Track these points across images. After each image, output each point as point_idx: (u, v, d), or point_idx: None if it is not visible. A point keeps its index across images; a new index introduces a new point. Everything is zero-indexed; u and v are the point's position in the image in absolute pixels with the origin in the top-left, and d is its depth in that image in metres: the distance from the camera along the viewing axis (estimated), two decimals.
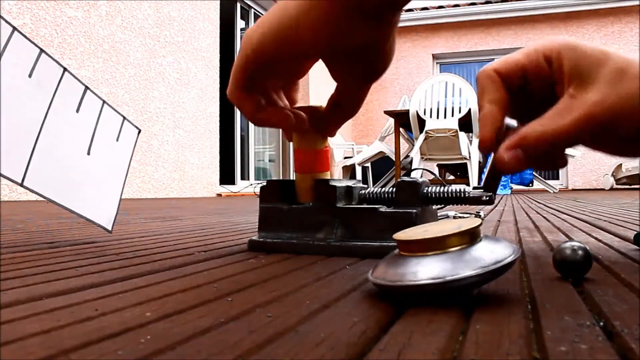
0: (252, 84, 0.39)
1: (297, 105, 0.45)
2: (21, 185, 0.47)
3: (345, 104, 0.42)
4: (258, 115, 0.40)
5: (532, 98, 0.38)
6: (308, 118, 0.43)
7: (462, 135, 3.12)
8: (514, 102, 0.37)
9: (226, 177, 4.61)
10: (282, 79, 0.43)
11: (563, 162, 0.38)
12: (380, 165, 4.77)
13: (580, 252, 0.30)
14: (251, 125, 5.15)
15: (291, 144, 0.47)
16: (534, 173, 4.34)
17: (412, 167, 3.25)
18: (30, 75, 0.49)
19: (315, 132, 0.45)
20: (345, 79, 0.40)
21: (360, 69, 0.38)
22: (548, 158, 0.37)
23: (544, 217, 0.93)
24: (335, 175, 5.27)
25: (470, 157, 3.14)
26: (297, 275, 0.34)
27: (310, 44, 0.35)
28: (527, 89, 0.38)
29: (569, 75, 0.35)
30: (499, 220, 0.86)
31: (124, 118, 0.59)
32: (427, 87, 3.28)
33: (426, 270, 0.24)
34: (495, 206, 1.50)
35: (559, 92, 0.37)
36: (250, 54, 0.37)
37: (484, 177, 0.44)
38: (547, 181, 4.60)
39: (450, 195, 0.45)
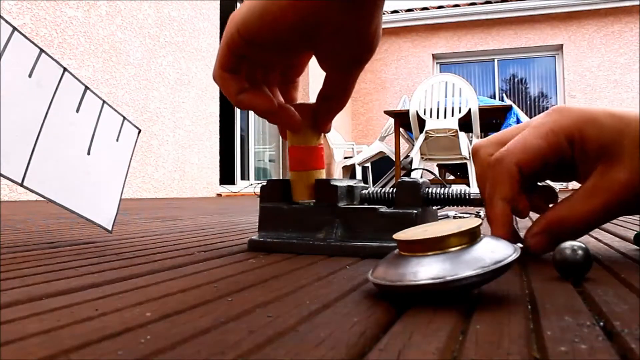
0: (238, 66, 0.39)
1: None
2: (21, 185, 0.47)
3: (333, 94, 0.41)
4: (240, 96, 0.39)
5: (547, 170, 0.37)
6: (301, 114, 0.42)
7: (462, 135, 3.12)
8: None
9: (226, 177, 4.60)
10: (273, 67, 0.42)
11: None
12: (380, 165, 4.77)
13: (580, 252, 0.30)
14: (251, 125, 5.15)
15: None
16: None
17: (412, 167, 3.25)
18: (30, 75, 0.49)
19: (309, 128, 0.44)
20: (333, 65, 0.39)
21: (346, 53, 0.37)
22: (575, 237, 0.36)
23: None
24: (335, 175, 5.27)
25: (470, 157, 3.13)
26: (297, 275, 0.34)
27: (293, 23, 0.34)
28: (547, 171, 0.37)
29: (595, 157, 0.34)
30: None
31: (124, 118, 0.59)
32: (427, 87, 3.28)
33: (426, 270, 0.24)
34: None
35: (582, 171, 0.36)
36: (235, 34, 0.36)
37: None
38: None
39: (451, 196, 0.45)
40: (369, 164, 4.89)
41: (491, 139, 0.40)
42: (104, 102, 0.56)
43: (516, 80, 6.69)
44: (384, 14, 6.48)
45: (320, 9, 0.33)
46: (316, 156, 0.45)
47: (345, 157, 5.41)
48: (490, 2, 6.34)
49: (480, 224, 0.26)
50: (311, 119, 0.44)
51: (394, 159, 3.63)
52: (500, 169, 0.35)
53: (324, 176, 0.47)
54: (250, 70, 0.40)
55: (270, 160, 5.72)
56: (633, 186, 0.33)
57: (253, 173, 5.15)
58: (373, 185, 4.21)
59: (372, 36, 0.36)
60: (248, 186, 4.76)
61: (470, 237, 0.26)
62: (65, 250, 0.47)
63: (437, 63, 6.81)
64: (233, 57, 0.38)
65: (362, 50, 0.37)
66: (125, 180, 0.58)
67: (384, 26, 6.56)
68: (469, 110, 3.13)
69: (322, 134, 0.46)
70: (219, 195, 4.16)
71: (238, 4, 4.88)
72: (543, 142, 0.35)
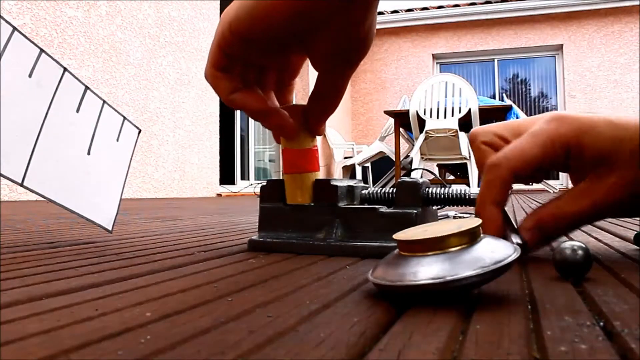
0: (230, 65, 0.38)
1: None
2: (21, 185, 0.47)
3: (326, 94, 0.40)
4: (232, 95, 0.39)
5: (539, 172, 0.39)
6: (292, 116, 0.42)
7: (462, 135, 3.12)
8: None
9: (226, 177, 4.61)
10: (267, 69, 0.42)
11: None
12: (380, 165, 4.77)
13: (580, 252, 0.30)
14: (251, 125, 5.15)
15: None
16: None
17: (412, 167, 3.25)
18: (30, 75, 0.49)
19: (301, 129, 0.43)
20: (325, 64, 0.39)
21: (338, 52, 0.37)
22: (564, 233, 0.38)
23: None
24: (335, 175, 5.27)
25: (470, 157, 3.13)
26: (297, 275, 0.34)
27: (284, 19, 0.34)
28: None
29: (591, 164, 0.36)
30: None
31: (124, 118, 0.59)
32: (427, 87, 3.28)
33: (426, 270, 0.24)
34: None
35: (576, 175, 0.38)
36: (226, 31, 0.36)
37: None
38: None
39: (450, 196, 0.45)
40: (369, 164, 4.89)
41: (489, 127, 0.42)
42: (104, 102, 0.56)
43: (516, 80, 6.69)
44: (383, 13, 6.49)
45: (311, 5, 0.33)
46: (310, 158, 0.44)
47: (345, 157, 5.41)
48: (490, 2, 6.34)
49: (480, 224, 0.26)
50: (302, 120, 0.43)
51: (394, 159, 3.63)
52: (495, 174, 0.36)
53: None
54: (244, 71, 0.40)
55: (270, 160, 5.73)
56: (621, 190, 0.35)
57: (253, 173, 5.15)
58: (373, 185, 4.21)
59: (364, 34, 0.36)
60: (248, 186, 4.76)
61: (470, 237, 0.26)
62: (65, 250, 0.47)
63: (437, 63, 6.81)
64: (225, 56, 0.38)
65: (354, 49, 0.37)
66: (125, 180, 0.58)
67: (384, 26, 6.57)
68: (469, 110, 3.13)
69: (315, 137, 0.45)
70: (219, 195, 4.16)
71: None
72: (540, 151, 0.36)
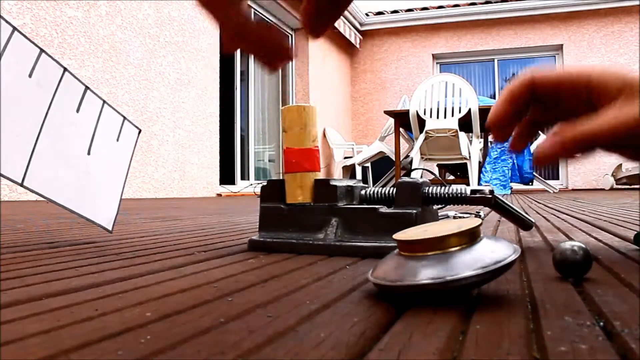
0: None
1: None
2: (21, 185, 0.47)
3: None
4: None
5: (564, 114, 0.41)
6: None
7: (462, 135, 3.12)
8: (546, 115, 0.41)
9: (226, 177, 4.60)
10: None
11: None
12: (380, 165, 4.77)
13: (580, 252, 0.30)
14: (251, 125, 5.15)
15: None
16: (534, 173, 4.34)
17: (412, 167, 3.25)
18: (30, 75, 0.49)
19: (303, 129, 0.43)
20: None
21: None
22: (579, 152, 0.40)
23: (544, 217, 0.93)
24: (335, 175, 5.27)
25: (470, 157, 3.13)
26: (297, 275, 0.34)
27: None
28: (561, 105, 0.40)
29: (617, 90, 0.38)
30: (499, 220, 0.86)
31: (124, 118, 0.59)
32: (427, 87, 3.28)
33: (426, 270, 0.24)
34: None
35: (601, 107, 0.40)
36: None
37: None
38: (547, 181, 4.59)
39: (450, 195, 0.45)
40: (369, 164, 4.89)
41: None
42: (104, 102, 0.56)
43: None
44: (383, 13, 6.49)
45: None
46: (310, 158, 0.45)
47: (345, 157, 5.41)
48: (490, 2, 6.34)
49: (480, 224, 0.26)
50: (309, 17, 0.39)
51: (394, 159, 3.63)
52: (517, 79, 0.41)
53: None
54: None
55: (270, 160, 5.72)
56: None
57: (253, 173, 5.15)
58: (373, 185, 4.20)
59: None
60: (248, 186, 4.76)
61: (470, 237, 0.26)
62: (65, 250, 0.47)
63: (437, 63, 6.81)
64: None
65: None
66: (125, 180, 0.58)
67: (384, 26, 6.57)
68: (469, 110, 3.13)
69: (316, 137, 0.45)
70: (219, 195, 4.16)
71: None
72: (560, 70, 0.40)
